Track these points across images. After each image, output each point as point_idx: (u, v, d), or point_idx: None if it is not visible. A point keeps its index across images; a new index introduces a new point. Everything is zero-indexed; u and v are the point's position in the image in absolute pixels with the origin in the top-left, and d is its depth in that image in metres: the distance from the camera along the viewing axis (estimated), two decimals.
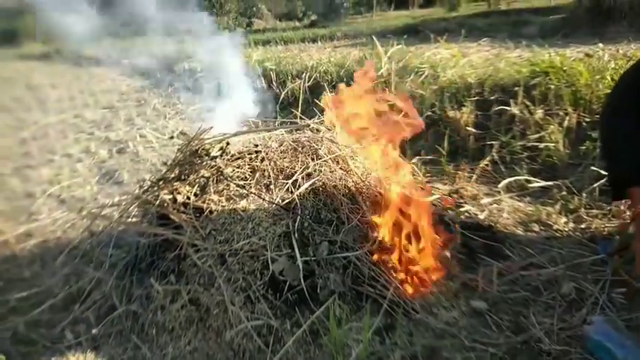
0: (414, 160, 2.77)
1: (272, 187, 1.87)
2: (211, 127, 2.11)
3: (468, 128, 2.98)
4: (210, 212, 1.81)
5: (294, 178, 1.88)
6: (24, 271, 2.22)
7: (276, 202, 1.80)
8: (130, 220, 2.14)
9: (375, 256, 1.70)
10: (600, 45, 3.87)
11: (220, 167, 1.97)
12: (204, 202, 1.85)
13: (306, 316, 1.55)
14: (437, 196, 2.24)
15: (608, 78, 2.76)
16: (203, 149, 2.10)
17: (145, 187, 2.15)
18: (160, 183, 2.07)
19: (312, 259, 1.65)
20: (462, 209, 2.17)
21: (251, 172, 1.96)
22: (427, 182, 2.47)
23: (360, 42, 8.12)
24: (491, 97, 3.11)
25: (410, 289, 1.67)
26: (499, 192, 2.33)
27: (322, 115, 2.36)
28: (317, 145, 2.08)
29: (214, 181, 1.93)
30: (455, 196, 2.32)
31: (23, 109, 6.31)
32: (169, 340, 1.58)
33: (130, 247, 2.07)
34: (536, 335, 1.42)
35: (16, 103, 6.72)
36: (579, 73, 2.87)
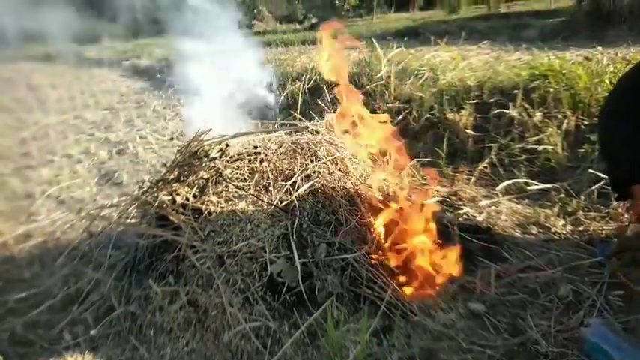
0: (412, 163, 2.78)
1: (271, 188, 1.88)
2: (210, 129, 2.11)
3: (467, 131, 2.98)
4: (209, 214, 1.81)
5: (292, 179, 1.89)
6: (23, 271, 2.22)
7: (274, 203, 1.80)
8: (129, 221, 2.14)
9: (374, 258, 1.70)
10: (599, 48, 3.87)
11: (219, 169, 1.98)
12: (203, 203, 1.86)
13: (304, 317, 1.55)
14: (437, 198, 2.25)
15: (607, 81, 2.77)
16: (202, 151, 2.11)
17: (144, 189, 2.16)
18: (159, 184, 2.08)
19: (311, 260, 1.65)
20: (460, 211, 2.18)
21: (250, 173, 1.97)
22: (425, 184, 2.47)
23: (360, 44, 8.13)
24: (491, 100, 3.11)
25: (408, 291, 1.67)
26: (497, 194, 2.33)
27: (321, 117, 2.38)
28: (316, 147, 2.08)
29: (213, 183, 1.94)
30: (453, 198, 2.32)
31: (24, 109, 6.32)
32: (167, 341, 1.58)
33: (129, 248, 2.08)
34: (534, 337, 1.42)
35: (16, 103, 6.73)
36: (578, 76, 2.87)
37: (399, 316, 1.55)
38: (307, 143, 2.11)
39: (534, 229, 2.02)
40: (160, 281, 1.75)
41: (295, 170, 1.94)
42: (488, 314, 1.56)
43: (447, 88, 3.42)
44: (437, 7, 13.94)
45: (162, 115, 5.65)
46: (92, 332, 1.70)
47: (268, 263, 1.63)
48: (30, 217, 2.88)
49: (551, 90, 2.88)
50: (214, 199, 1.87)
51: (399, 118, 3.45)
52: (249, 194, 1.85)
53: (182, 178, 2.05)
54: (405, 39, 5.88)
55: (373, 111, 3.76)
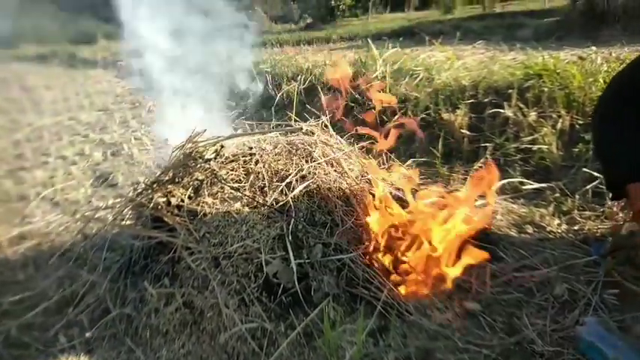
0: (408, 163, 2.79)
1: (266, 189, 1.87)
2: (205, 130, 2.11)
3: (462, 130, 2.99)
4: (205, 215, 1.81)
5: (288, 180, 1.88)
6: (17, 274, 2.21)
7: (270, 204, 1.80)
8: (124, 222, 2.13)
9: (369, 258, 1.70)
10: (593, 48, 3.89)
11: (214, 170, 1.97)
12: (198, 204, 1.85)
13: (300, 318, 1.55)
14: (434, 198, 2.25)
15: (601, 81, 2.78)
16: (197, 152, 2.10)
17: (139, 190, 2.15)
18: (154, 186, 2.07)
19: (307, 261, 1.65)
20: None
21: (245, 174, 1.96)
22: (421, 184, 2.48)
23: (355, 44, 8.14)
24: (485, 100, 3.12)
25: (404, 291, 1.67)
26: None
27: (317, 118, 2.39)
28: (311, 147, 2.08)
29: (208, 184, 1.93)
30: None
31: (17, 110, 6.28)
32: (163, 343, 1.58)
33: (124, 250, 2.07)
34: (529, 336, 1.43)
35: (10, 104, 6.69)
36: (572, 75, 2.88)
37: (395, 316, 1.55)
38: (302, 144, 2.11)
39: (529, 229, 2.02)
40: (155, 283, 1.74)
41: (291, 171, 1.94)
42: (484, 314, 1.56)
43: (442, 88, 3.42)
44: (432, 7, 13.98)
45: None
46: (87, 335, 1.69)
47: (264, 264, 1.62)
48: (24, 219, 2.86)
49: (546, 89, 2.89)
50: (209, 200, 1.86)
51: (395, 118, 3.45)
52: (245, 195, 1.85)
53: (177, 180, 2.04)
54: (401, 39, 5.89)
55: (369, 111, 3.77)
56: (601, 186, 2.15)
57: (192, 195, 1.92)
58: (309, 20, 15.56)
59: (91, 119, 5.63)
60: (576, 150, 2.49)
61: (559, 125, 2.64)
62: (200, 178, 1.96)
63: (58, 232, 2.65)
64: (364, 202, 1.88)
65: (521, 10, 9.25)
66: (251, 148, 2.10)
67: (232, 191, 1.88)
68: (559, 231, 1.99)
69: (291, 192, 1.83)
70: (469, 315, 1.57)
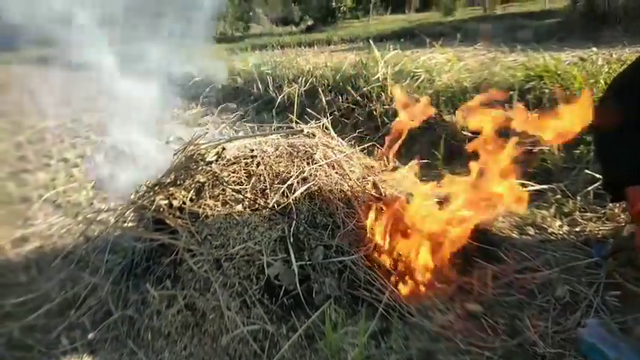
0: (410, 164, 2.78)
1: (268, 191, 1.88)
2: (206, 132, 2.11)
3: (463, 132, 2.99)
4: (206, 217, 1.81)
5: (289, 182, 1.89)
6: (20, 276, 2.21)
7: (271, 206, 1.80)
8: (125, 225, 2.14)
9: (371, 260, 1.70)
10: (594, 49, 3.90)
11: (216, 172, 1.98)
12: (200, 206, 1.85)
13: (301, 320, 1.55)
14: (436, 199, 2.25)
15: (602, 82, 2.78)
16: (199, 154, 2.11)
17: (141, 192, 2.15)
18: (156, 188, 2.08)
19: (308, 263, 1.65)
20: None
21: (247, 176, 1.97)
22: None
23: (356, 46, 8.16)
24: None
25: (405, 293, 1.67)
26: None
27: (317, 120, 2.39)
28: (312, 149, 2.09)
29: (210, 186, 1.93)
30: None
31: (19, 113, 6.30)
32: (165, 345, 1.58)
33: (126, 252, 2.07)
34: (531, 338, 1.42)
35: (12, 106, 6.71)
36: (573, 77, 2.89)
37: (396, 318, 1.55)
38: (304, 146, 2.11)
39: (531, 230, 2.03)
40: (157, 285, 1.74)
41: (292, 173, 1.94)
42: (486, 315, 1.56)
43: (444, 90, 3.43)
44: (432, 9, 13.99)
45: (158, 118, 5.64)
46: (90, 336, 1.69)
47: (265, 266, 1.62)
48: (26, 222, 2.87)
49: (547, 91, 2.89)
50: (211, 202, 1.87)
51: (396, 119, 3.45)
52: (246, 197, 1.85)
53: (179, 182, 2.05)
54: (401, 40, 5.91)
55: (370, 113, 3.78)
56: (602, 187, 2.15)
57: (193, 197, 1.92)
58: (309, 22, 15.59)
59: (93, 121, 5.64)
60: (577, 151, 2.49)
61: None
62: (202, 180, 1.96)
63: (60, 234, 2.66)
64: (366, 205, 1.88)
65: (521, 12, 9.26)
66: (252, 151, 2.11)
67: (234, 193, 1.89)
68: (560, 232, 1.99)
69: (293, 194, 1.83)
70: (471, 317, 1.57)
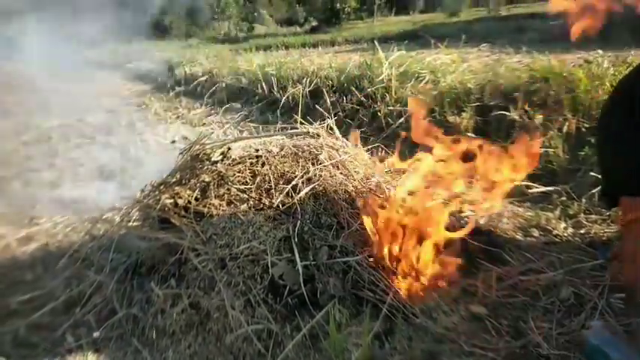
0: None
1: (272, 191, 1.89)
2: (212, 132, 2.12)
3: (467, 134, 2.99)
4: (211, 216, 1.82)
5: (294, 182, 1.89)
6: (25, 274, 2.22)
7: (276, 206, 1.81)
8: (130, 224, 2.15)
9: (375, 261, 1.71)
10: (600, 51, 3.88)
11: (221, 172, 1.98)
12: (205, 206, 1.86)
13: (305, 320, 1.56)
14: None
15: (608, 84, 2.77)
16: (204, 154, 2.12)
17: (146, 192, 2.16)
18: (161, 187, 2.09)
19: (312, 263, 1.65)
20: (462, 214, 2.18)
21: (252, 176, 1.97)
22: (427, 187, 2.47)
23: (361, 47, 8.16)
24: (491, 103, 3.12)
25: (409, 294, 1.68)
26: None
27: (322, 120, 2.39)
28: (317, 150, 2.09)
29: (215, 186, 1.94)
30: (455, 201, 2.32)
31: (25, 112, 6.33)
32: (170, 344, 1.59)
33: (131, 251, 2.08)
34: (535, 340, 1.42)
35: (17, 106, 6.74)
36: (579, 79, 2.88)
37: (400, 319, 1.55)
38: (308, 146, 2.12)
39: (535, 232, 2.02)
40: (161, 284, 1.75)
41: (297, 173, 1.95)
42: (490, 317, 1.56)
43: (448, 91, 3.43)
44: (437, 10, 13.97)
45: (163, 118, 5.66)
46: (95, 335, 1.70)
47: (270, 266, 1.63)
48: (32, 221, 2.88)
49: (552, 93, 2.88)
50: (216, 202, 1.87)
51: (400, 120, 3.46)
52: (251, 197, 1.86)
53: (184, 181, 2.06)
54: (406, 42, 5.90)
55: (375, 114, 3.79)
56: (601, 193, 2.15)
57: (198, 196, 1.93)
58: (314, 23, 15.59)
59: (98, 121, 5.67)
60: (582, 153, 2.49)
61: (565, 128, 2.64)
62: (207, 179, 1.97)
63: (65, 233, 2.67)
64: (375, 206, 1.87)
65: (526, 13, 9.23)
66: (257, 151, 2.11)
67: (239, 193, 1.89)
68: (565, 234, 1.98)
69: (297, 194, 1.84)
70: (475, 318, 1.57)
